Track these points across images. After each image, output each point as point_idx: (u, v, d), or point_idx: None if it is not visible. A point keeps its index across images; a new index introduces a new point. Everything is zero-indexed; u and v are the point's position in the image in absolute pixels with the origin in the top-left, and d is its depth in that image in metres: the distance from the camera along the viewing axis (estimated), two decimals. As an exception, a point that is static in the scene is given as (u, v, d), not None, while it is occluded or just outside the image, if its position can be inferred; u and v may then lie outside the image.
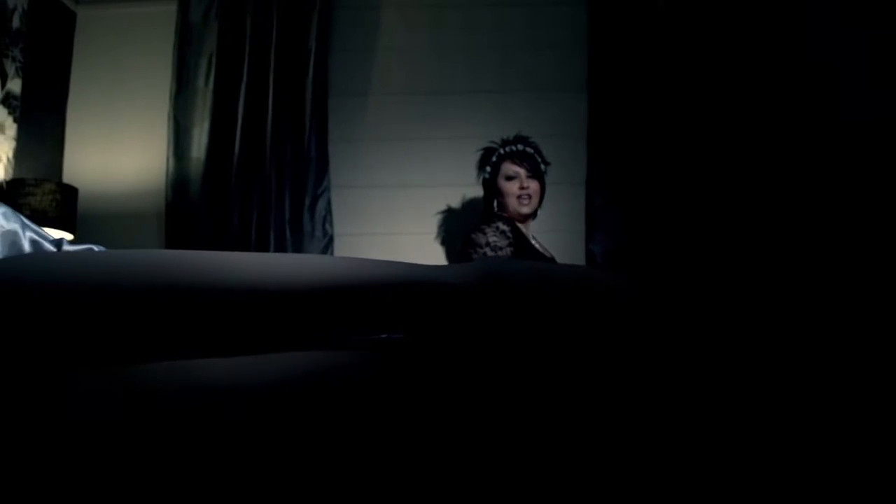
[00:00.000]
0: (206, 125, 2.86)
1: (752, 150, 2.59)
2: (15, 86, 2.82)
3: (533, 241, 2.39)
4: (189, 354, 0.66)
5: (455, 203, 2.79)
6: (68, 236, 2.69)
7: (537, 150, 2.39)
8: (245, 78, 2.86)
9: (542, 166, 2.39)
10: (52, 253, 0.72)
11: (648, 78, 2.76)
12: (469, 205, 2.78)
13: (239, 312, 0.67)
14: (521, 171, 2.34)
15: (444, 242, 2.76)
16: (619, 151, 2.76)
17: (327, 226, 2.78)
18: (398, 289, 0.70)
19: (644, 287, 0.75)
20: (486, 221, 2.29)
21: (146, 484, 0.63)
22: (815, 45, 2.65)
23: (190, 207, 2.85)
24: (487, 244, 2.20)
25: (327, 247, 2.77)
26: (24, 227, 0.92)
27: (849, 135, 2.48)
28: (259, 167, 2.81)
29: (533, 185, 2.34)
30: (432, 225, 2.79)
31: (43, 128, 2.96)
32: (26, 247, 0.93)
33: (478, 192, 2.77)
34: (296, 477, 0.66)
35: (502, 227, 2.24)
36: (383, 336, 0.69)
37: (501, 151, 2.38)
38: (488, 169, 2.40)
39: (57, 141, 3.06)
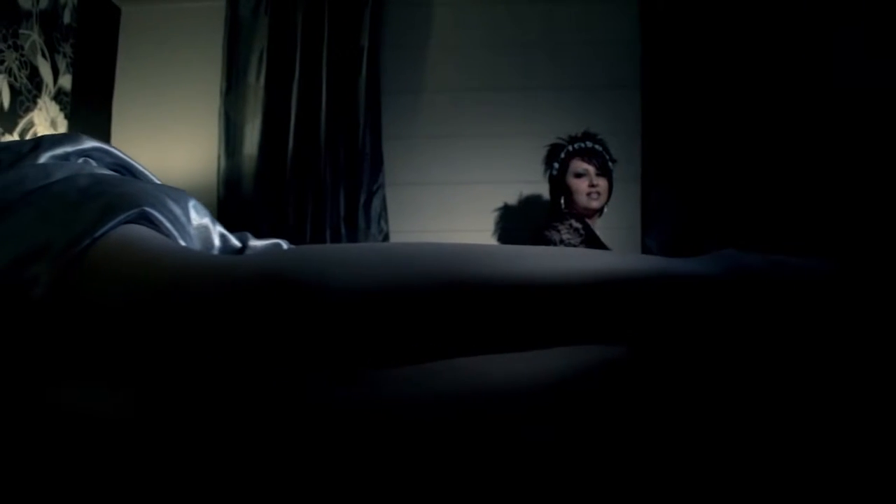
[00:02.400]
0: (258, 122, 2.84)
1: (811, 144, 2.61)
2: (66, 82, 2.80)
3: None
4: (468, 351, 0.66)
5: (511, 200, 2.79)
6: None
7: (605, 147, 2.40)
8: (297, 74, 2.85)
9: (610, 163, 2.40)
10: (303, 248, 0.71)
11: (702, 72, 2.77)
12: (526, 202, 2.78)
13: (518, 307, 0.67)
14: (591, 169, 2.35)
15: (500, 239, 2.76)
16: (674, 147, 2.77)
17: (382, 223, 2.78)
18: (661, 280, 0.70)
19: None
20: (555, 218, 2.30)
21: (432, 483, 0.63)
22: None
23: (242, 204, 2.84)
24: (561, 241, 2.21)
25: (383, 244, 2.76)
26: (214, 221, 0.91)
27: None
28: (313, 164, 2.80)
29: (602, 183, 2.35)
30: (488, 222, 2.79)
31: (91, 125, 2.93)
32: (216, 241, 0.92)
33: (534, 189, 2.78)
34: (575, 477, 0.66)
35: (575, 223, 2.25)
36: (653, 329, 0.69)
37: (570, 148, 2.38)
38: (556, 165, 2.40)
39: (104, 138, 3.02)
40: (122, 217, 0.71)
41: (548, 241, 2.22)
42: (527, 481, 0.62)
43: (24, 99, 2.56)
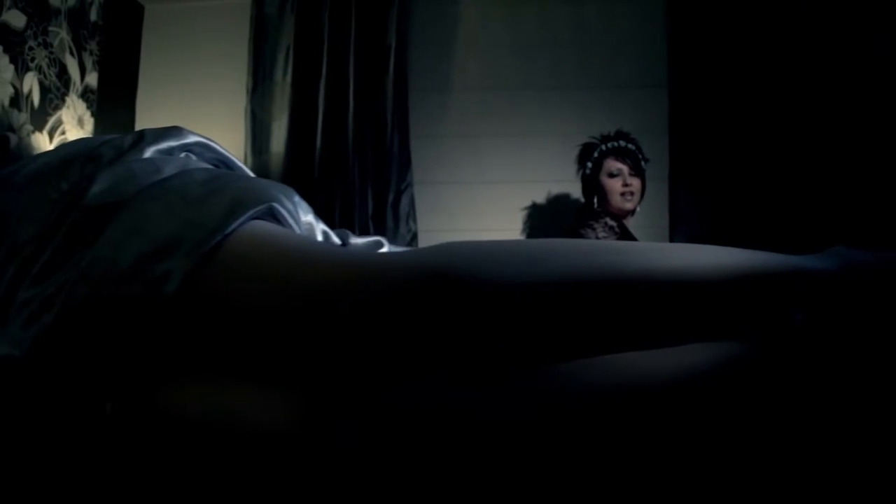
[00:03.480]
0: (284, 120, 2.84)
1: (843, 144, 2.62)
2: (92, 80, 2.78)
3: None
4: (617, 347, 0.66)
5: (539, 199, 2.80)
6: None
7: (638, 147, 2.40)
8: (324, 73, 2.84)
9: (643, 163, 2.40)
10: (448, 244, 0.71)
11: (730, 70, 2.78)
12: (554, 201, 2.78)
13: (672, 301, 0.67)
14: (625, 168, 2.35)
15: (529, 238, 2.77)
16: (702, 146, 2.78)
17: (411, 222, 2.78)
18: (795, 276, 0.71)
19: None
20: (589, 217, 2.30)
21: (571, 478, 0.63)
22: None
23: (269, 203, 2.83)
24: (597, 239, 2.21)
25: (411, 243, 2.76)
26: (317, 218, 0.91)
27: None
28: (341, 162, 2.79)
29: (635, 183, 2.36)
30: (516, 221, 2.79)
31: (116, 123, 2.92)
32: (319, 238, 0.92)
33: (562, 188, 2.78)
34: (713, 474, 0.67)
35: (610, 222, 2.26)
36: (786, 322, 0.70)
37: (603, 147, 2.39)
38: (589, 165, 2.40)
39: (127, 136, 3.01)
40: (251, 213, 0.70)
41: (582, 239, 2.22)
42: (679, 475, 0.63)
43: (52, 97, 2.54)
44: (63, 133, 2.60)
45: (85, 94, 2.73)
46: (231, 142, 2.93)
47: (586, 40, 2.91)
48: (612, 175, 2.36)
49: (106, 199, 0.74)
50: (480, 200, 2.84)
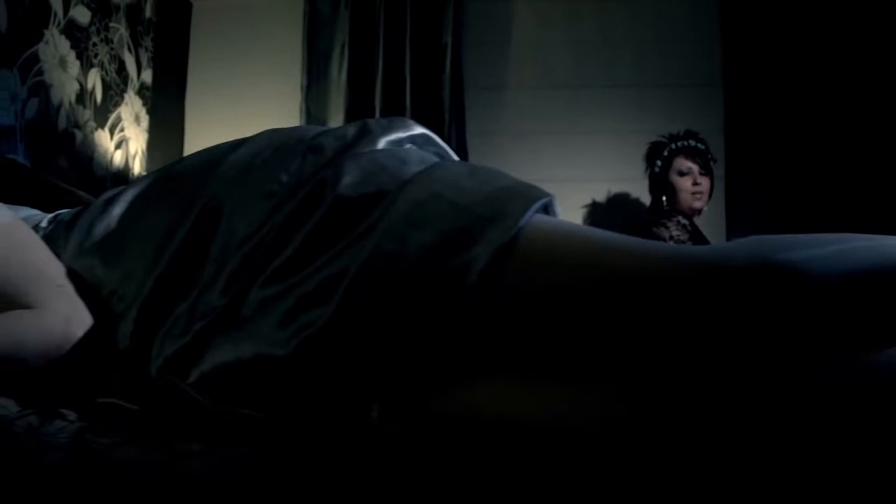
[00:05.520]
0: (341, 118, 2.81)
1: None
2: (147, 76, 2.76)
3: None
4: None
5: (598, 198, 2.80)
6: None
7: (707, 146, 2.40)
8: (380, 71, 2.83)
9: (711, 162, 2.41)
10: (765, 237, 0.70)
11: (785, 68, 2.78)
12: (613, 200, 2.78)
13: None
14: (695, 167, 2.35)
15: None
16: (758, 145, 2.79)
17: (468, 220, 2.76)
18: None
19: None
20: (662, 216, 2.30)
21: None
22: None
23: (324, 202, 2.81)
24: (671, 237, 2.21)
25: (469, 241, 2.75)
26: None
27: None
28: (398, 161, 2.78)
29: (705, 182, 2.36)
30: (575, 220, 2.78)
31: (167, 121, 2.89)
32: None
33: (620, 187, 2.78)
34: None
35: (683, 221, 2.26)
36: None
37: (673, 146, 2.39)
38: (658, 163, 2.40)
39: (178, 135, 2.99)
40: (537, 205, 0.69)
41: (657, 238, 2.22)
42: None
43: (113, 93, 2.52)
44: (122, 130, 2.58)
45: (141, 91, 2.71)
46: (285, 140, 2.91)
47: (641, 38, 2.91)
48: (682, 174, 2.36)
49: (363, 190, 0.72)
50: (538, 199, 2.83)
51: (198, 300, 0.76)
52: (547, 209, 0.77)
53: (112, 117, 2.51)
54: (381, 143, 0.82)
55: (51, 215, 0.96)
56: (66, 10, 2.22)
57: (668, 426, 0.58)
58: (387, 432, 0.64)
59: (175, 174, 0.89)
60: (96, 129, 2.42)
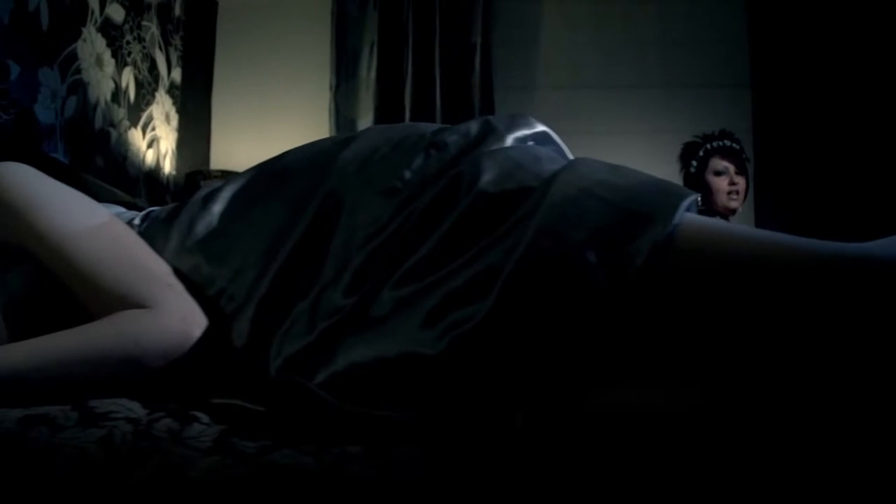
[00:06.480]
0: (370, 117, 2.81)
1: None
2: (177, 75, 2.75)
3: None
4: None
5: (628, 198, 2.79)
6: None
7: (741, 147, 2.40)
8: (410, 70, 2.82)
9: (746, 163, 2.41)
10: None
11: (814, 69, 2.79)
12: (643, 200, 2.78)
13: None
14: (731, 167, 2.35)
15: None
16: (787, 145, 2.79)
17: (498, 220, 2.76)
18: None
19: None
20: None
21: None
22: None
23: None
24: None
25: (499, 241, 2.75)
26: None
27: None
28: (428, 161, 2.77)
29: (741, 182, 2.36)
30: (605, 220, 2.79)
31: (195, 119, 2.88)
32: None
33: (650, 187, 2.78)
34: None
35: (719, 220, 2.25)
36: None
37: (709, 146, 2.38)
38: (694, 163, 2.40)
39: (204, 133, 2.97)
40: (688, 201, 0.69)
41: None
42: None
43: (145, 92, 2.51)
44: (153, 129, 2.56)
45: (171, 90, 2.70)
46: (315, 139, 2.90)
47: (670, 39, 2.91)
48: (718, 173, 2.35)
49: (505, 186, 0.72)
50: (568, 199, 2.83)
51: (319, 298, 0.75)
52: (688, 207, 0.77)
53: (144, 116, 2.50)
54: (509, 141, 0.81)
55: (142, 213, 0.95)
56: (102, 7, 2.20)
57: (816, 420, 0.59)
58: (536, 434, 0.64)
59: (280, 170, 0.87)
60: (129, 127, 2.41)
